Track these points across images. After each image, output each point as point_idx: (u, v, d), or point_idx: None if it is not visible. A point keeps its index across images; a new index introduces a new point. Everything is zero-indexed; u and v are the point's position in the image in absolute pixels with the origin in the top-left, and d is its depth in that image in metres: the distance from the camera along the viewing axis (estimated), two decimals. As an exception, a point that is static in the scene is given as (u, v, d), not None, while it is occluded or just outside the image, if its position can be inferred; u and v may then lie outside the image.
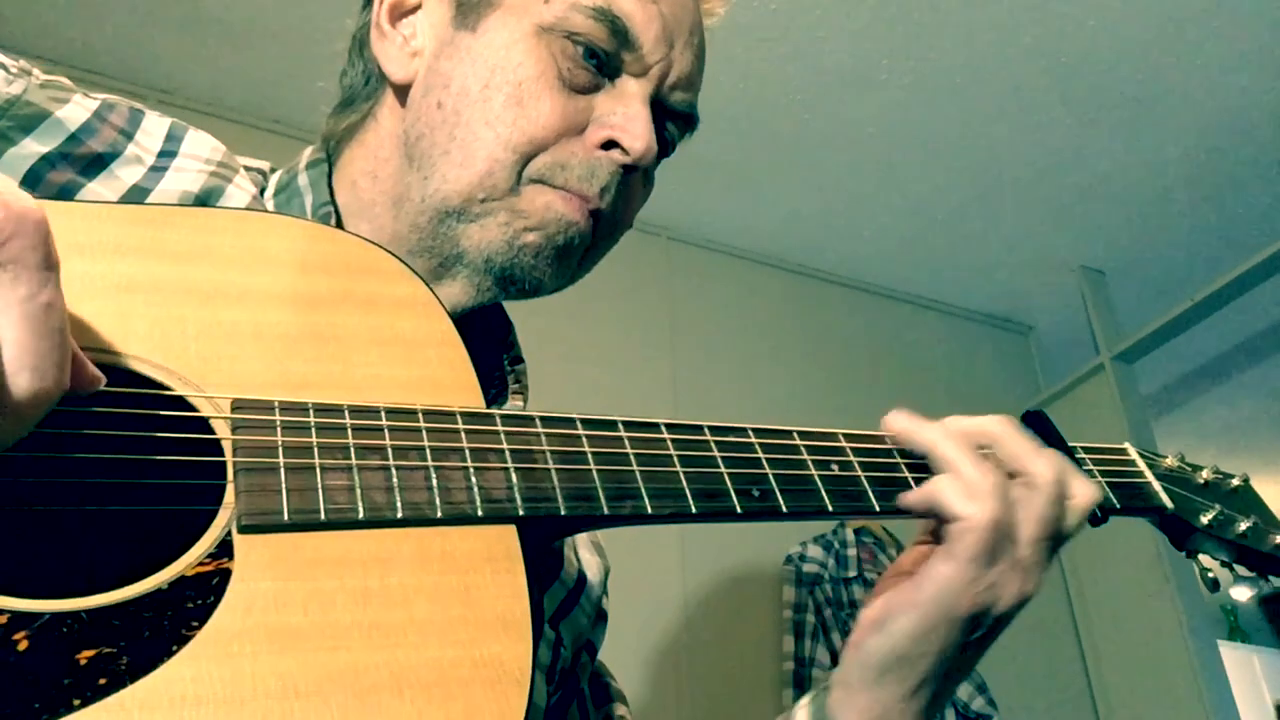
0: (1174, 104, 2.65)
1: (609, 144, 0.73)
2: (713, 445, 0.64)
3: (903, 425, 0.69)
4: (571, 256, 0.75)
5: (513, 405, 0.81)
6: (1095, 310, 3.23)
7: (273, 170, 0.81)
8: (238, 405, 0.54)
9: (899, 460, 0.69)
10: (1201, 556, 0.76)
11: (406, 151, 0.75)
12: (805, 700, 0.70)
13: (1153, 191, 2.97)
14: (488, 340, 0.83)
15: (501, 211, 0.72)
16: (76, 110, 0.69)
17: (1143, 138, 2.77)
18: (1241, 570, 0.76)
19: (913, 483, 0.67)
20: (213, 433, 0.53)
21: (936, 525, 0.66)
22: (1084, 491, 0.67)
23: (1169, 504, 0.74)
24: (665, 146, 0.79)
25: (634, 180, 0.77)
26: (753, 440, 0.66)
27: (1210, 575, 0.75)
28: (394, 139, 0.76)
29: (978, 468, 0.64)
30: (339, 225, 0.76)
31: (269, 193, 0.78)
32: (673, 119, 0.79)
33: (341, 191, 0.78)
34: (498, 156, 0.71)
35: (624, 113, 0.73)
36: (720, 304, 3.02)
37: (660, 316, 2.88)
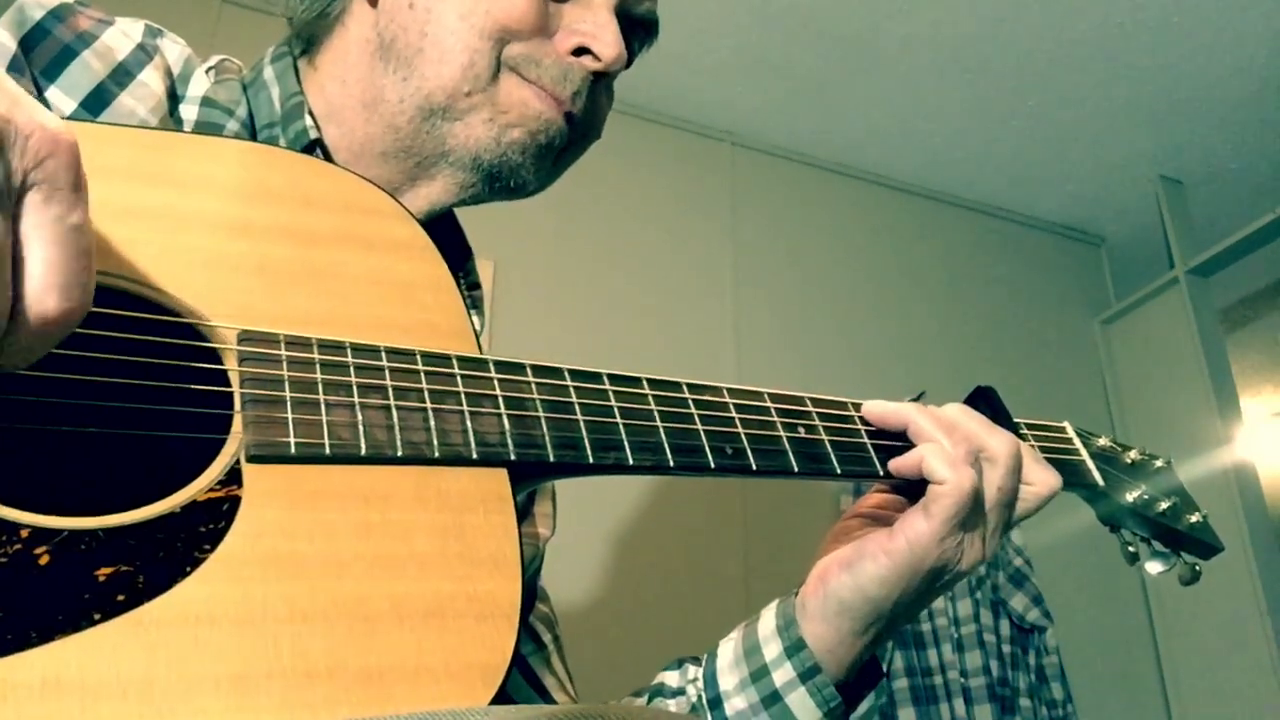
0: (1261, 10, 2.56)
1: (579, 51, 0.76)
2: (691, 403, 0.67)
3: (881, 408, 0.74)
4: (551, 155, 0.78)
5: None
6: (1172, 221, 3.11)
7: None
8: (244, 337, 0.55)
9: (860, 428, 0.73)
10: (1123, 531, 0.83)
11: (380, 54, 0.76)
12: (772, 604, 0.76)
13: (1237, 99, 2.83)
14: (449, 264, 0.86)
15: (485, 107, 0.74)
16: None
17: (1230, 43, 2.65)
18: (1158, 546, 0.83)
19: (872, 449, 0.72)
20: (220, 362, 0.54)
21: (899, 480, 0.71)
22: (1043, 479, 0.73)
23: (1100, 482, 0.80)
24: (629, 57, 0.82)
25: (600, 88, 0.80)
26: (727, 400, 0.69)
27: (1130, 549, 0.82)
28: (363, 43, 0.78)
29: (954, 441, 0.69)
30: (327, 156, 0.77)
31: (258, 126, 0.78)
32: (635, 28, 0.82)
33: (311, 99, 0.79)
34: (475, 46, 0.73)
35: (594, 21, 0.76)
36: (784, 212, 2.97)
37: (722, 224, 2.85)
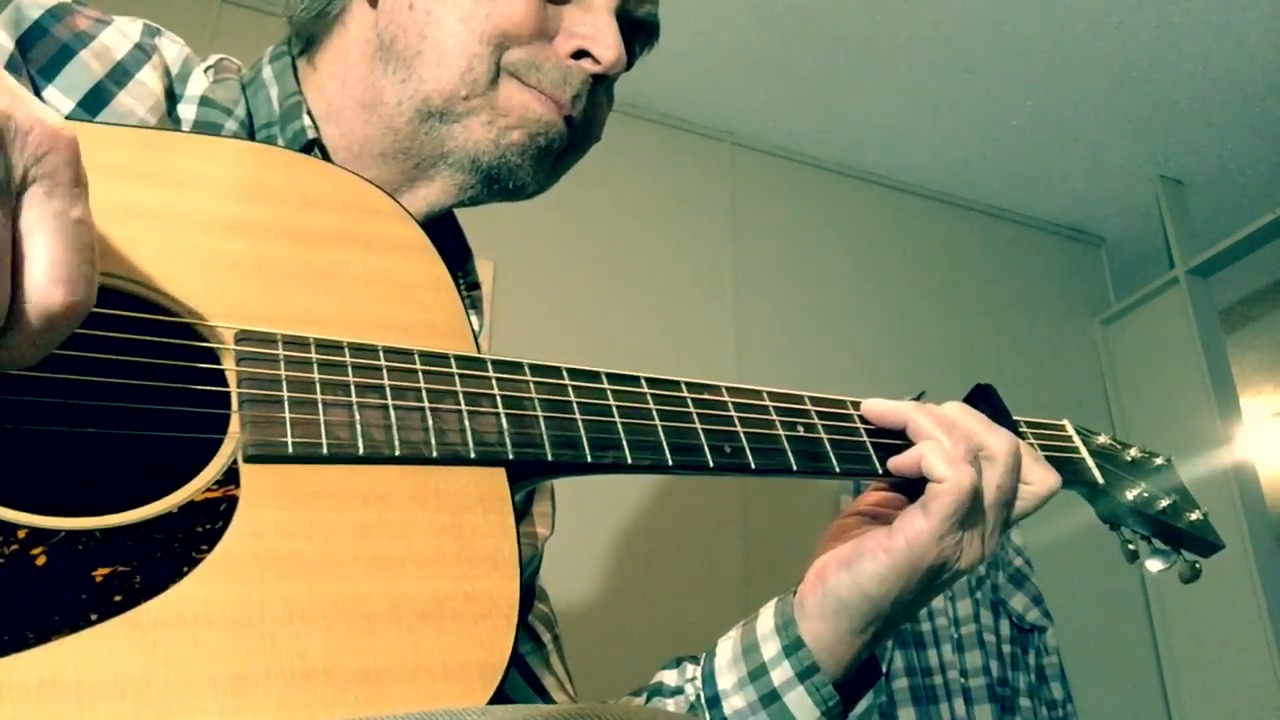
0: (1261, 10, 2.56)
1: (579, 54, 0.76)
2: (690, 402, 0.67)
3: (881, 407, 0.73)
4: (550, 158, 0.78)
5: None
6: (1172, 221, 3.11)
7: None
8: (242, 336, 0.55)
9: (859, 426, 0.73)
10: (1123, 529, 0.83)
11: (379, 54, 0.76)
12: (771, 603, 0.76)
13: (1237, 99, 2.83)
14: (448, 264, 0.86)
15: (484, 110, 0.74)
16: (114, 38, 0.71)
17: (1230, 43, 2.64)
18: (1158, 544, 0.83)
19: (871, 447, 0.72)
20: (218, 362, 0.54)
21: (898, 479, 0.71)
22: (1042, 478, 0.73)
23: (1100, 480, 0.80)
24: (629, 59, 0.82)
25: (600, 91, 0.80)
26: (726, 399, 0.69)
27: (1130, 547, 0.82)
28: (363, 43, 0.78)
29: (953, 440, 0.69)
30: (325, 156, 0.77)
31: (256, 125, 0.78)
32: (636, 30, 0.82)
33: (310, 99, 0.79)
34: (474, 50, 0.73)
35: (593, 24, 0.76)
36: (784, 212, 2.97)
37: (722, 224, 2.85)
